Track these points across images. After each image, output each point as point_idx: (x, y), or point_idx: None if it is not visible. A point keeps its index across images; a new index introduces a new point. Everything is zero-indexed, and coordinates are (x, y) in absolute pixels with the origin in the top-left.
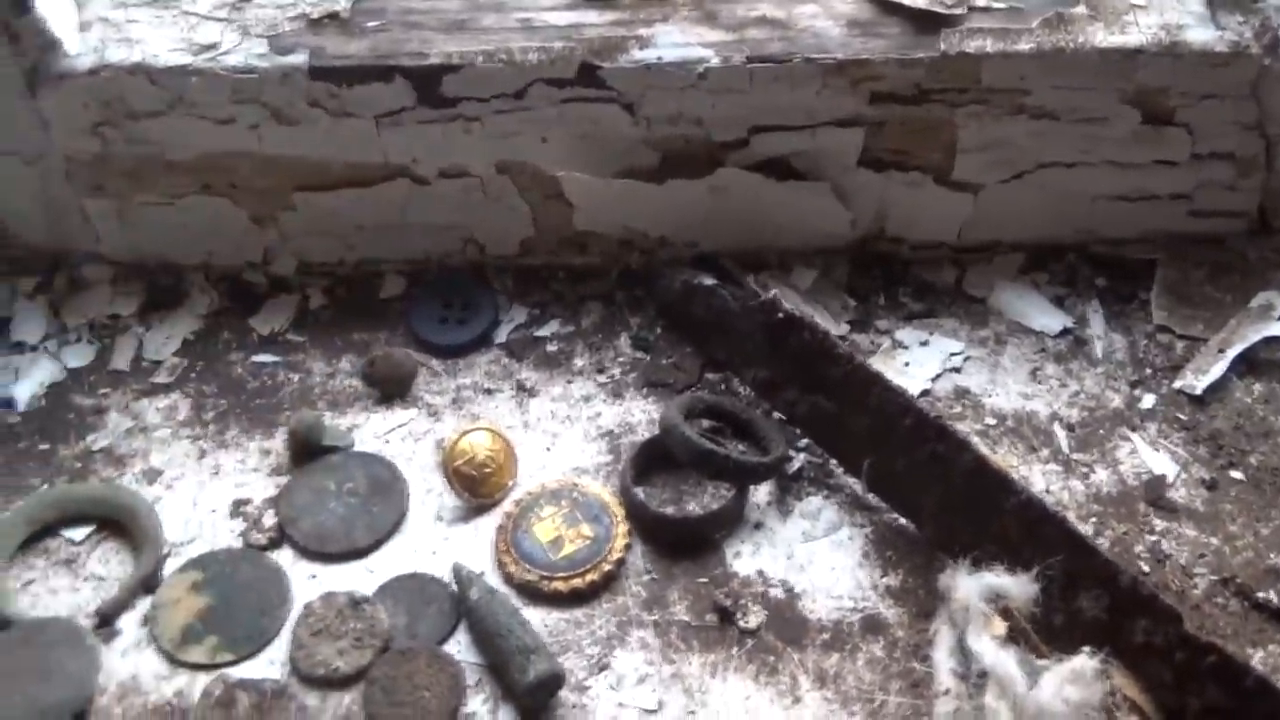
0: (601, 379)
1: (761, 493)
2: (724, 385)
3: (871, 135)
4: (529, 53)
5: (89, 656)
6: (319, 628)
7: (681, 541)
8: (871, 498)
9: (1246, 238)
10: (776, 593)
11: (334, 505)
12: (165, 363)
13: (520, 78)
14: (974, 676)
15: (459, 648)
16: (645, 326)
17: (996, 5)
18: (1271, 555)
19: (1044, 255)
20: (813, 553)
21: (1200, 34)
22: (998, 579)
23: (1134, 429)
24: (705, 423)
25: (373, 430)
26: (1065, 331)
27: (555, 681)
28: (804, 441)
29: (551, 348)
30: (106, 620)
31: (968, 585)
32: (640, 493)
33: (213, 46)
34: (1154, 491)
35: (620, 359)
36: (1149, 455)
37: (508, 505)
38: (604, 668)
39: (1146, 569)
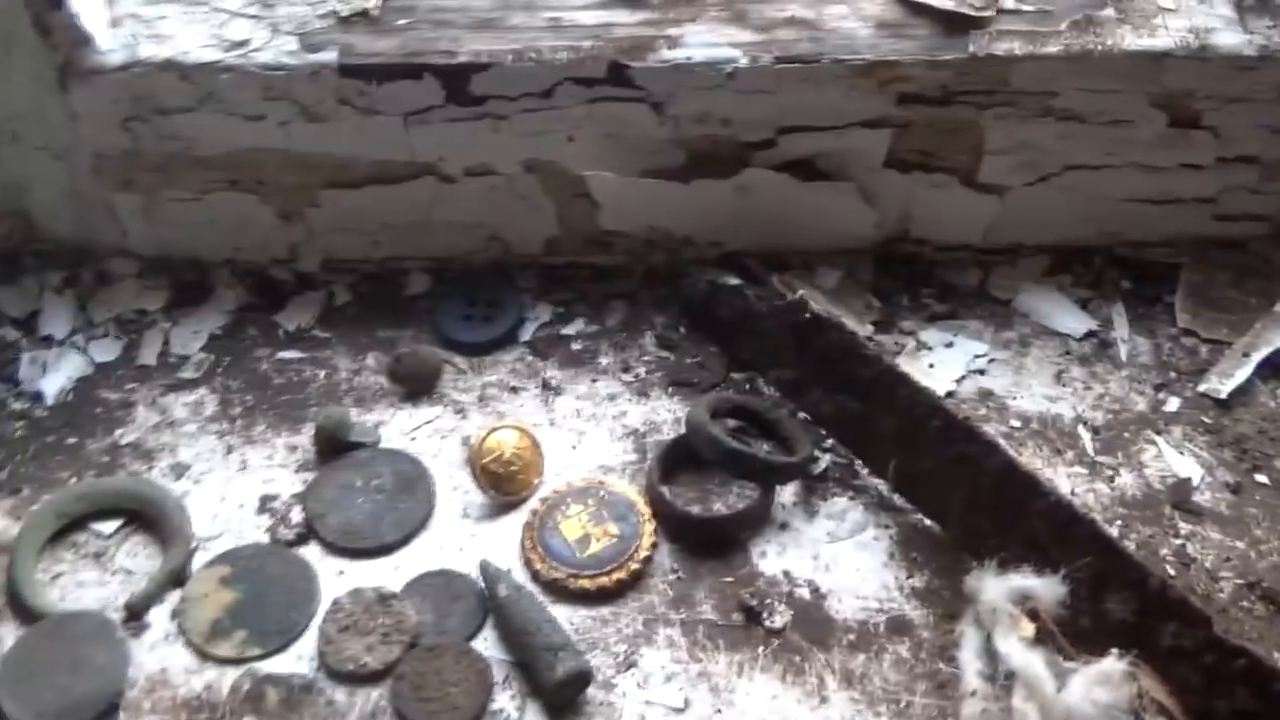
0: (627, 378)
1: (787, 493)
2: (749, 385)
3: (898, 136)
4: (558, 52)
5: (119, 650)
6: (347, 623)
7: (708, 541)
8: (897, 498)
9: (1271, 241)
10: (803, 593)
11: (361, 501)
12: (192, 358)
13: (549, 77)
14: (1001, 678)
15: (486, 644)
16: (670, 326)
17: (1025, 7)
18: None
19: (1069, 258)
20: (838, 553)
21: (1228, 38)
22: (1025, 580)
23: (1159, 432)
24: (731, 422)
25: (399, 427)
26: (1090, 334)
27: (583, 679)
28: (829, 442)
29: (576, 346)
30: (136, 614)
31: (995, 586)
32: (667, 492)
33: (243, 43)
34: (1179, 495)
35: (645, 358)
36: (1174, 459)
37: (534, 503)
38: (631, 666)
39: (1172, 573)
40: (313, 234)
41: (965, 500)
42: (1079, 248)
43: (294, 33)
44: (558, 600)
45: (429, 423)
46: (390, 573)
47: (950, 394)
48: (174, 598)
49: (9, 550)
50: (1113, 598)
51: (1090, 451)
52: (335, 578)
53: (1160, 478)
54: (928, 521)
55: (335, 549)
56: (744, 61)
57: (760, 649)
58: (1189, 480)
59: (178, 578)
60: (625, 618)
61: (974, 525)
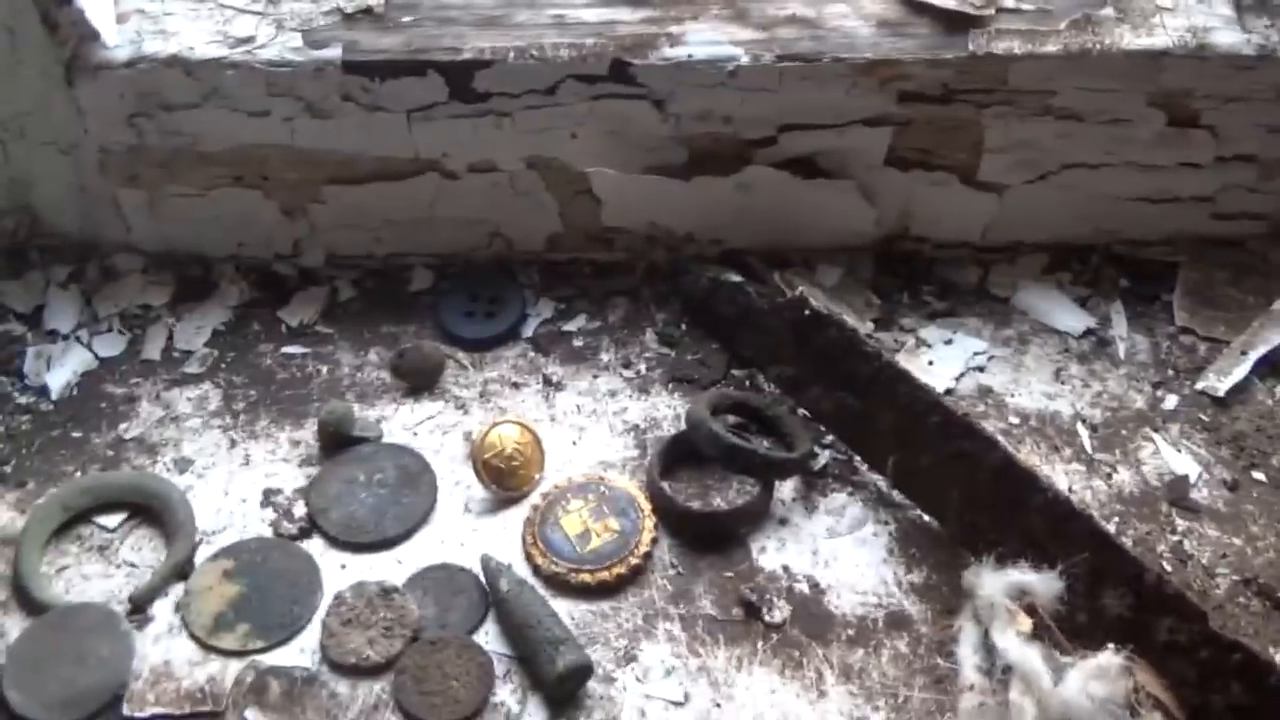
0: (627, 374)
1: (787, 489)
2: (749, 381)
3: (898, 134)
4: (561, 49)
5: (124, 642)
6: (349, 617)
7: (708, 536)
8: (896, 495)
9: (1269, 240)
10: (802, 588)
11: (364, 496)
12: (196, 353)
13: (552, 74)
14: (998, 672)
15: (488, 638)
16: (671, 322)
17: (1025, 7)
18: None
19: (1067, 256)
20: (837, 548)
21: (1227, 37)
22: (1023, 576)
23: (1156, 430)
24: (731, 418)
25: (401, 422)
26: (1088, 332)
27: (584, 673)
28: (829, 438)
29: (578, 342)
30: (140, 606)
31: (993, 582)
32: (667, 487)
33: (248, 40)
34: (1176, 492)
35: (646, 354)
36: (1171, 456)
37: (535, 498)
38: (631, 660)
39: (1169, 569)
40: (316, 230)
41: (964, 496)
42: (1078, 246)
43: (299, 29)
44: (558, 594)
45: (431, 418)
46: (393, 567)
47: (949, 391)
48: (178, 591)
49: (15, 543)
50: (1109, 593)
51: (1088, 448)
52: (338, 571)
53: (1158, 474)
54: (926, 517)
55: (338, 543)
56: (745, 60)
57: (759, 643)
58: (1186, 477)
59: (182, 571)
60: (625, 612)
61: (972, 521)
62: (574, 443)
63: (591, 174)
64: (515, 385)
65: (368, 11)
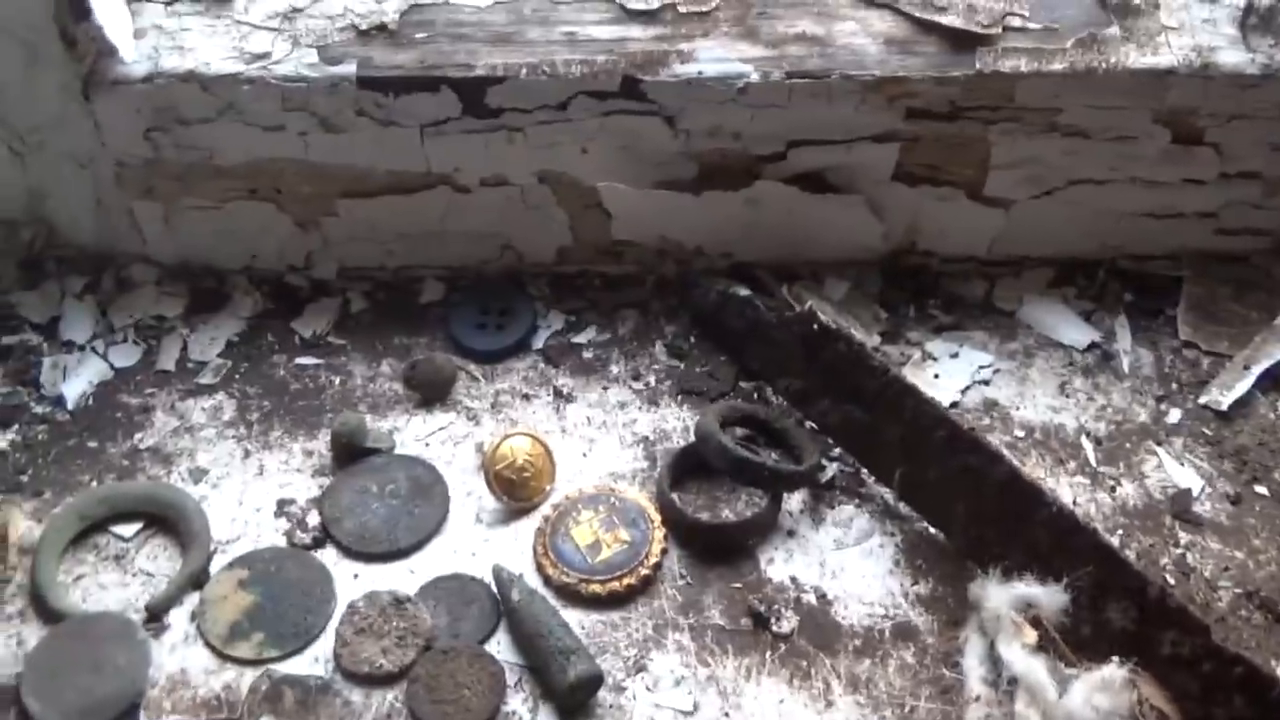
0: (637, 386)
1: (795, 501)
2: (757, 394)
3: (906, 151)
4: (572, 65)
5: (140, 650)
6: (363, 626)
7: (716, 547)
8: (903, 507)
9: (1272, 256)
10: (809, 599)
11: (376, 506)
12: (210, 364)
13: (563, 90)
14: (1004, 684)
15: (499, 648)
16: (680, 335)
17: (1031, 25)
18: None
19: (1073, 270)
20: (844, 560)
21: (1231, 56)
22: (1028, 588)
23: (1160, 443)
24: (740, 431)
25: (413, 433)
26: (1093, 346)
27: (594, 682)
28: (837, 451)
29: (588, 355)
30: (156, 615)
31: (998, 594)
32: (676, 499)
33: (264, 56)
34: (1179, 505)
35: (655, 367)
36: (1174, 469)
37: (546, 509)
38: (641, 669)
39: (1172, 582)
40: (329, 242)
41: (969, 509)
42: (1083, 260)
43: (314, 45)
44: (569, 605)
45: (443, 429)
46: (405, 576)
47: (955, 404)
48: (193, 600)
49: (32, 552)
50: (1113, 606)
51: (1092, 462)
52: (351, 581)
53: (1161, 488)
54: (932, 530)
55: (351, 553)
56: (755, 77)
57: (767, 654)
58: (1189, 491)
59: (197, 580)
60: (635, 622)
61: (978, 534)
62: (584, 454)
63: (602, 188)
64: (526, 397)
65: (382, 28)
